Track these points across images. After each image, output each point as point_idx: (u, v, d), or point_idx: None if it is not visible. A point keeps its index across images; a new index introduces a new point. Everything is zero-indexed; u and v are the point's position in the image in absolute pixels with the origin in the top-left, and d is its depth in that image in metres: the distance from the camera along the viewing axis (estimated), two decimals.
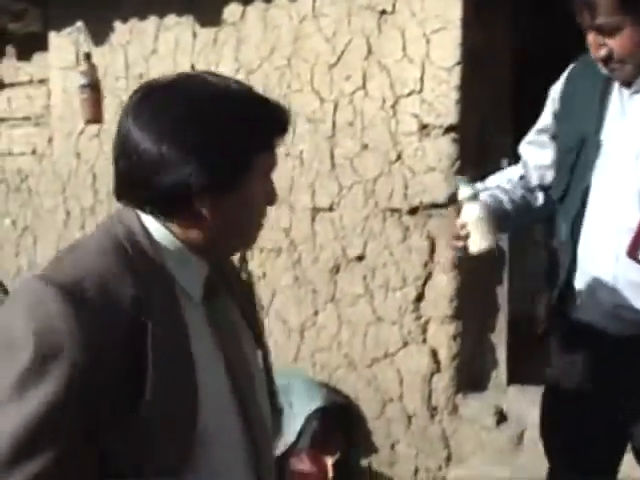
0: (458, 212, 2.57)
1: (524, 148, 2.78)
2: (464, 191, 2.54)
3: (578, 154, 2.52)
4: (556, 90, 2.65)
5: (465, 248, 2.54)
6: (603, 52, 2.35)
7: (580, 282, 2.54)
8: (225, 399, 1.65)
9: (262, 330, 1.86)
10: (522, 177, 2.78)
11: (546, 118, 2.69)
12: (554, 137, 2.65)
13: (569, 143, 2.55)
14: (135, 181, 1.57)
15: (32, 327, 1.45)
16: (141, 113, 1.55)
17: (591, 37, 2.34)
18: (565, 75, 2.63)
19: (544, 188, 2.73)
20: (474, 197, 2.53)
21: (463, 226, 2.52)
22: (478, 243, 2.51)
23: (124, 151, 1.57)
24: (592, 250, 2.48)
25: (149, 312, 1.51)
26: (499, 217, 2.61)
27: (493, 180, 2.83)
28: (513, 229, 2.94)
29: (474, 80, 3.97)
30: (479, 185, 2.73)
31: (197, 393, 1.56)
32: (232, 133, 1.54)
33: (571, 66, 2.62)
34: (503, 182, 2.79)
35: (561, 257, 2.62)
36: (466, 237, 2.53)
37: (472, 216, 2.51)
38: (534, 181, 2.74)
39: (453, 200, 3.81)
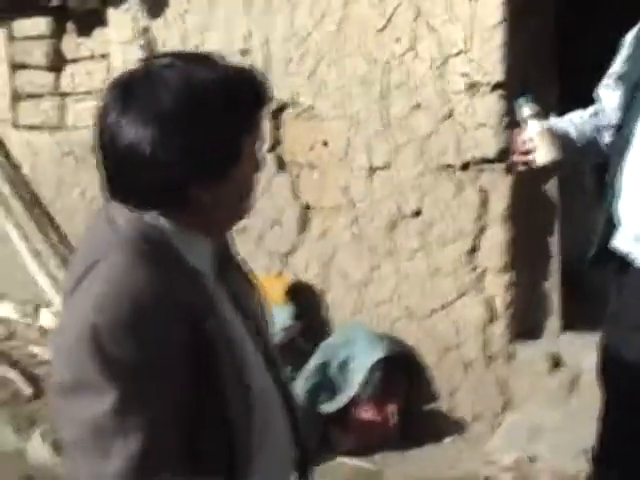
0: (521, 130, 2.71)
1: (600, 90, 2.88)
2: (526, 109, 2.67)
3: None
4: (630, 35, 2.75)
5: (531, 162, 2.69)
6: None
7: (624, 212, 2.67)
8: (256, 357, 1.73)
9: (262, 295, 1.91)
10: (593, 115, 2.87)
11: (618, 63, 2.79)
12: (621, 78, 2.76)
13: (633, 81, 2.65)
14: (128, 180, 1.57)
15: (109, 371, 1.47)
16: (127, 110, 1.54)
17: None
18: None
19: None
20: (537, 115, 2.67)
21: (529, 140, 2.66)
22: (544, 155, 2.66)
23: (114, 150, 1.56)
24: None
25: (198, 308, 1.57)
26: (563, 141, 2.72)
27: (564, 117, 2.94)
28: (574, 158, 3.02)
29: (519, 38, 4.09)
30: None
31: (245, 365, 1.65)
32: (220, 124, 1.56)
33: None
34: (574, 116, 2.90)
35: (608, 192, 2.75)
36: (531, 151, 2.67)
37: (536, 130, 2.64)
38: (611, 121, 2.81)
39: (504, 154, 3.95)
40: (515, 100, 2.80)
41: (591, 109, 2.91)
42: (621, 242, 2.72)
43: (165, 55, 1.63)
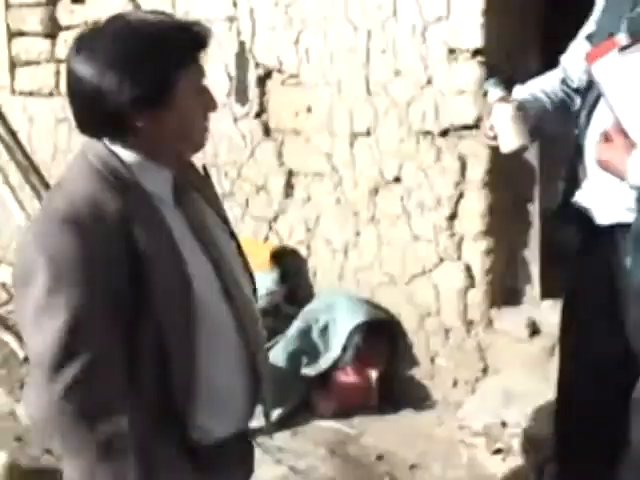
0: (489, 114, 2.71)
1: (568, 54, 2.87)
2: (493, 93, 2.67)
3: None
4: None
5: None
6: None
7: (586, 168, 2.67)
8: (212, 284, 1.93)
9: (224, 210, 2.14)
10: (562, 81, 2.88)
11: (591, 24, 2.76)
12: (590, 37, 2.71)
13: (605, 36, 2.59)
14: (85, 111, 1.86)
15: (45, 255, 1.74)
16: (78, 53, 1.84)
17: None
18: None
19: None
20: (503, 98, 2.66)
21: (491, 128, 2.67)
22: (507, 143, 2.65)
23: (69, 87, 1.87)
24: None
25: (134, 219, 1.79)
26: (540, 117, 2.74)
27: (534, 83, 2.93)
28: (555, 128, 2.99)
29: (499, 5, 4.07)
30: (520, 87, 2.86)
31: (190, 281, 1.85)
32: (152, 56, 1.80)
33: None
34: (545, 85, 2.89)
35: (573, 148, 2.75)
36: (495, 137, 2.67)
37: (501, 116, 2.63)
38: (581, 84, 2.79)
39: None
40: (484, 83, 2.82)
41: (559, 75, 2.90)
42: (582, 197, 2.73)
43: (118, 13, 1.93)
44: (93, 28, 1.89)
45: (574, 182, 2.75)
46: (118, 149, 1.87)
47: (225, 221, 2.10)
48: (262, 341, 2.10)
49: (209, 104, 1.93)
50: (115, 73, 1.78)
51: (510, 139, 2.65)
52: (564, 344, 2.99)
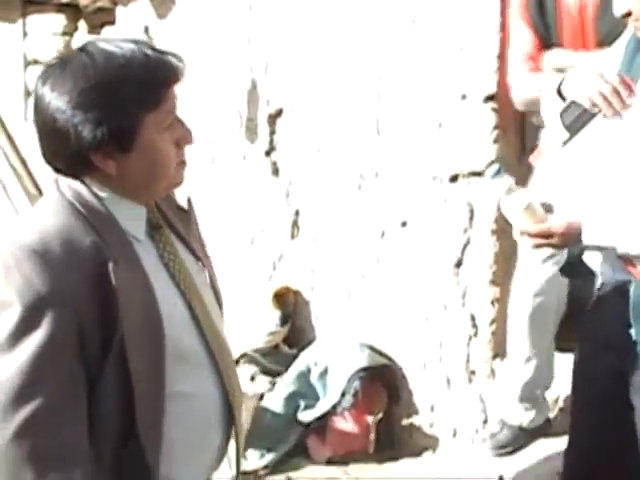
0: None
1: None
2: (499, 184, 2.38)
3: None
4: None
5: None
6: (621, 9, 2.33)
7: None
8: (184, 321, 1.88)
9: (207, 257, 2.09)
10: None
11: None
12: None
13: None
14: (52, 147, 1.81)
15: (13, 287, 1.67)
16: (43, 87, 1.77)
17: None
18: None
19: None
20: (510, 189, 2.37)
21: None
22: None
23: (35, 122, 1.82)
24: None
25: (108, 253, 1.72)
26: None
27: None
28: None
29: None
30: None
31: (163, 324, 1.78)
32: (116, 97, 1.74)
33: None
34: None
35: None
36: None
37: (512, 209, 2.38)
38: None
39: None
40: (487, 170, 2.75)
41: None
42: (588, 257, 2.66)
43: (90, 41, 1.84)
44: (62, 58, 1.81)
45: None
46: (88, 182, 1.82)
47: (197, 257, 2.04)
48: (236, 380, 2.03)
49: (183, 138, 1.86)
50: (78, 113, 1.72)
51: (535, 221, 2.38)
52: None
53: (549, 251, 3.53)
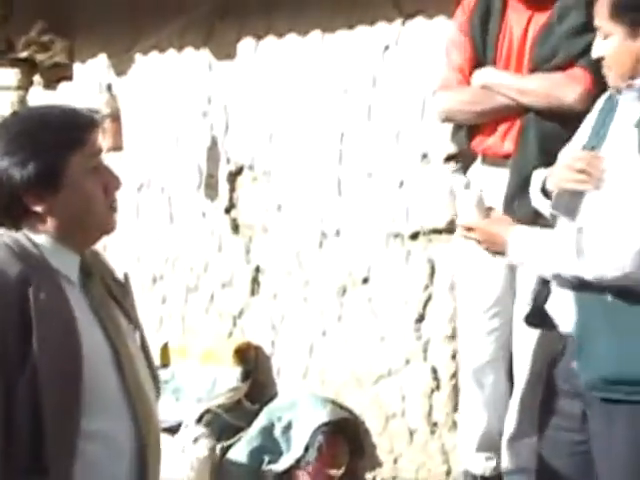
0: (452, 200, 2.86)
1: None
2: (457, 180, 2.86)
3: None
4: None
5: None
6: (596, 52, 2.53)
7: None
8: (107, 366, 1.94)
9: (137, 316, 2.15)
10: None
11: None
12: None
13: None
14: None
15: None
16: None
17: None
18: None
19: None
20: (467, 186, 2.78)
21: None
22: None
23: None
24: None
25: (33, 281, 1.82)
26: None
27: None
28: None
29: None
30: None
31: (81, 356, 1.85)
32: (38, 141, 1.92)
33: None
34: None
35: None
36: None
37: (466, 203, 2.71)
38: None
39: (453, 226, 4.02)
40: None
41: None
42: (550, 306, 2.73)
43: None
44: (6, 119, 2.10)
45: (544, 285, 2.79)
46: (26, 231, 1.93)
47: (129, 319, 2.10)
48: (155, 434, 2.07)
49: (110, 183, 2.00)
50: (6, 158, 1.89)
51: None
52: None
53: (489, 304, 3.67)
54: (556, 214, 2.65)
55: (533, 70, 3.50)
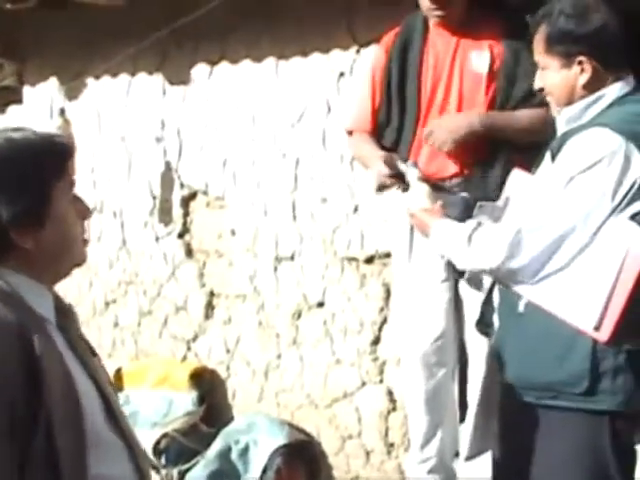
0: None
1: None
2: (412, 172, 3.06)
3: None
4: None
5: None
6: (537, 84, 2.69)
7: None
8: (98, 408, 1.91)
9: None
10: None
11: None
12: None
13: None
14: None
15: None
16: None
17: None
18: None
19: None
20: (421, 178, 3.03)
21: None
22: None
23: None
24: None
25: (32, 334, 1.78)
26: None
27: None
28: None
29: None
30: None
31: (80, 401, 1.83)
32: (25, 172, 1.86)
33: None
34: None
35: None
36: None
37: (418, 194, 2.97)
38: None
39: None
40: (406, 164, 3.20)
41: None
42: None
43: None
44: None
45: (489, 304, 2.88)
46: (3, 271, 1.86)
47: (93, 352, 2.08)
48: (148, 466, 2.07)
49: (84, 212, 1.97)
50: None
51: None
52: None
53: (431, 341, 3.70)
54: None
55: (501, 106, 3.52)
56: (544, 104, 2.93)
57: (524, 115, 3.47)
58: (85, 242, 1.97)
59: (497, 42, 3.50)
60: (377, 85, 3.65)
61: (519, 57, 3.39)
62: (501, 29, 3.48)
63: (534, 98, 3.17)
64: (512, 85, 3.47)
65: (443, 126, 3.47)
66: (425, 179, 3.06)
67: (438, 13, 3.47)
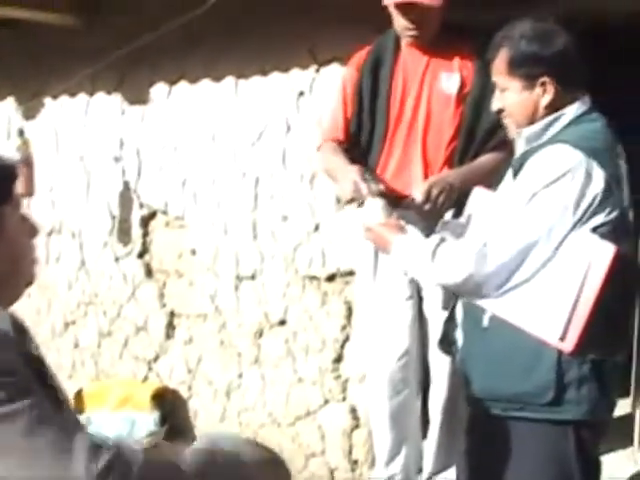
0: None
1: None
2: (368, 187, 3.05)
3: None
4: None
5: None
6: (496, 104, 2.73)
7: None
8: None
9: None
10: None
11: None
12: None
13: None
14: None
15: None
16: None
17: None
18: None
19: None
20: (377, 193, 3.02)
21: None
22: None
23: None
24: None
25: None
26: None
27: None
28: None
29: None
30: None
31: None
32: None
33: None
34: None
35: None
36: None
37: (373, 209, 2.93)
38: None
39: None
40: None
41: None
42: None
43: None
44: None
45: (451, 322, 2.90)
46: None
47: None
48: None
49: (32, 231, 1.96)
50: None
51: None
52: None
53: (396, 359, 3.71)
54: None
55: (467, 133, 3.55)
56: (507, 141, 2.99)
57: (488, 162, 3.52)
58: (34, 261, 1.96)
59: (467, 65, 3.54)
60: (348, 98, 3.66)
61: (487, 84, 3.43)
62: (472, 52, 3.51)
63: (500, 130, 3.18)
64: (479, 114, 3.50)
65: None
66: (383, 193, 3.06)
67: (413, 33, 3.50)
